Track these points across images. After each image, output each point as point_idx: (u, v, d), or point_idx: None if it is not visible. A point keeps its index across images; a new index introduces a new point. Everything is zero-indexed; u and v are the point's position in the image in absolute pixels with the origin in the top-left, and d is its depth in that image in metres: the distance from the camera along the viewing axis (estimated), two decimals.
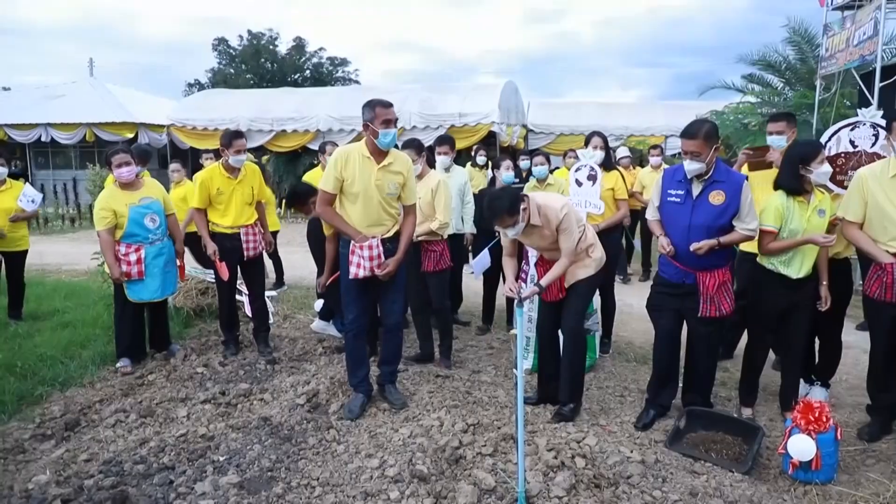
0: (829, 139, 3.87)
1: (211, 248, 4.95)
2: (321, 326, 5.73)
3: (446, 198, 4.80)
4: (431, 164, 5.11)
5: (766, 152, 4.33)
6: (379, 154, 3.85)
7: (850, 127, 3.82)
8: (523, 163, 6.64)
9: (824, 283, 3.81)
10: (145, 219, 4.73)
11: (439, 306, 4.98)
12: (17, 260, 6.09)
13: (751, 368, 4.09)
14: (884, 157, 3.78)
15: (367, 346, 4.97)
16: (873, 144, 3.75)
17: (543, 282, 3.79)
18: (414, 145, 4.83)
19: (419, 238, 4.70)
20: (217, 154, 6.02)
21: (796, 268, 3.73)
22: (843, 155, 3.81)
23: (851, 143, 3.79)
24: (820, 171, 3.61)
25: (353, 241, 3.86)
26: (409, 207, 4.05)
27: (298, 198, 4.98)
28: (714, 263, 3.64)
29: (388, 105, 3.79)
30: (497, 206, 3.58)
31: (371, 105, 3.78)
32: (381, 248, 3.88)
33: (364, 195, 3.85)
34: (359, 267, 3.86)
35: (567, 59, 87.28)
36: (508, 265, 4.00)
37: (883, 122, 3.79)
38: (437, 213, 4.75)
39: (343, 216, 3.93)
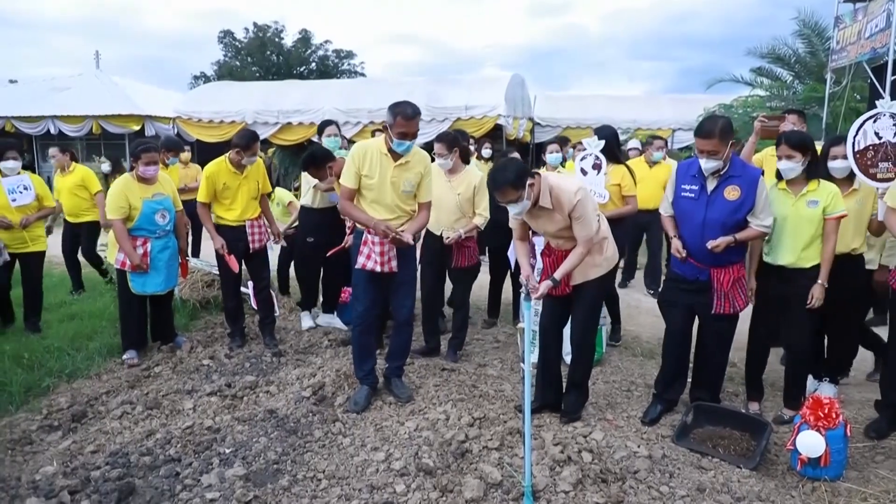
0: (857, 133, 3.82)
1: (218, 241, 4.94)
2: (327, 320, 5.73)
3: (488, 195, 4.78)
4: (465, 159, 4.97)
5: (781, 121, 4.39)
6: (396, 153, 3.83)
7: (873, 119, 3.79)
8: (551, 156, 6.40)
9: (820, 281, 3.69)
10: (156, 214, 4.76)
11: (462, 302, 4.95)
12: (32, 262, 5.51)
13: (751, 362, 4.08)
14: None
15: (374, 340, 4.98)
16: (895, 134, 3.71)
17: (557, 274, 3.55)
18: (446, 140, 4.75)
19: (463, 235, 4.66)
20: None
21: (775, 255, 3.74)
22: (871, 147, 3.76)
23: (876, 134, 3.76)
24: (779, 164, 3.70)
25: (365, 233, 3.84)
26: (423, 204, 4.04)
27: (315, 161, 4.93)
28: (729, 260, 3.60)
29: (411, 117, 3.71)
30: (501, 177, 3.35)
31: (394, 112, 3.71)
32: (392, 245, 3.83)
33: (379, 191, 3.84)
34: (368, 258, 3.84)
35: (573, 53, 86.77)
36: (521, 250, 3.84)
37: None
38: (481, 210, 4.71)
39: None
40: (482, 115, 14.33)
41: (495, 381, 4.40)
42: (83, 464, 3.34)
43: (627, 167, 5.19)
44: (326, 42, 34.44)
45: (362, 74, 34.45)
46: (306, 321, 5.73)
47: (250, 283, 5.60)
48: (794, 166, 3.66)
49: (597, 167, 4.82)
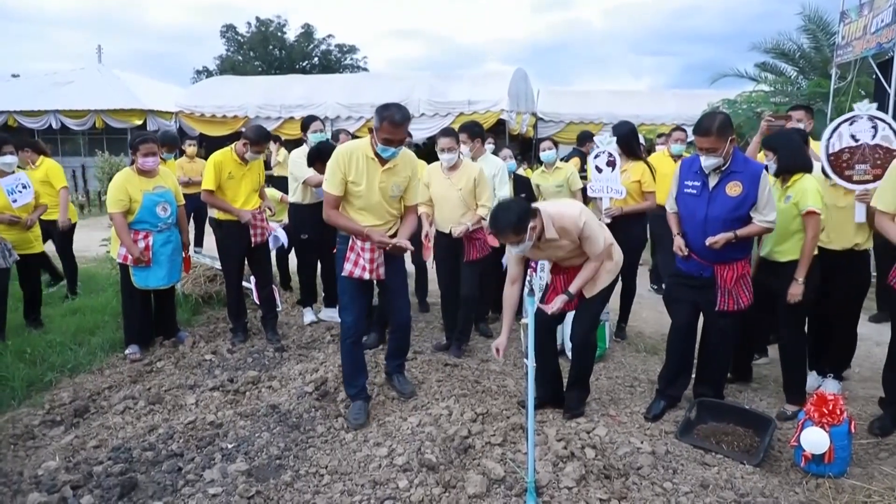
0: (831, 136, 3.85)
1: (246, 215, 4.93)
2: (329, 314, 5.72)
3: (489, 186, 4.77)
4: None
5: (787, 120, 4.44)
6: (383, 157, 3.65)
7: (849, 122, 3.80)
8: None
9: (797, 277, 3.70)
10: (157, 207, 4.74)
11: (470, 297, 4.90)
12: (32, 262, 5.43)
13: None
14: (885, 147, 3.71)
15: (376, 335, 4.97)
16: (874, 136, 3.73)
17: (572, 289, 3.53)
18: (453, 133, 4.70)
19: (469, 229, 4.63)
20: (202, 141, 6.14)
21: (763, 245, 3.83)
22: (847, 150, 3.79)
23: (853, 137, 3.78)
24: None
25: (352, 238, 3.68)
26: (410, 207, 3.89)
27: (321, 156, 4.94)
28: (732, 256, 3.57)
29: (399, 123, 3.48)
30: (504, 220, 3.23)
31: (381, 116, 3.49)
32: (381, 251, 3.70)
33: (367, 197, 3.67)
34: (355, 265, 3.69)
35: (576, 47, 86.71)
36: (508, 300, 3.65)
37: (879, 114, 3.77)
38: (483, 201, 4.66)
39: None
40: (485, 110, 14.32)
41: (498, 377, 4.39)
42: (85, 459, 3.34)
43: (647, 163, 5.16)
44: (329, 37, 34.47)
45: (365, 69, 34.45)
46: (308, 316, 5.73)
47: (252, 279, 5.60)
48: (768, 164, 3.84)
49: (611, 164, 4.83)
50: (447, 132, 4.72)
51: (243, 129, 4.94)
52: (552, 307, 3.55)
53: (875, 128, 3.74)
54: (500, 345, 3.57)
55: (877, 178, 3.72)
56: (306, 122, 5.68)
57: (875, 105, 3.84)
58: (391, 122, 3.46)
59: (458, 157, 4.70)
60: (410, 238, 3.82)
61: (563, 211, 3.46)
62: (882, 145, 3.72)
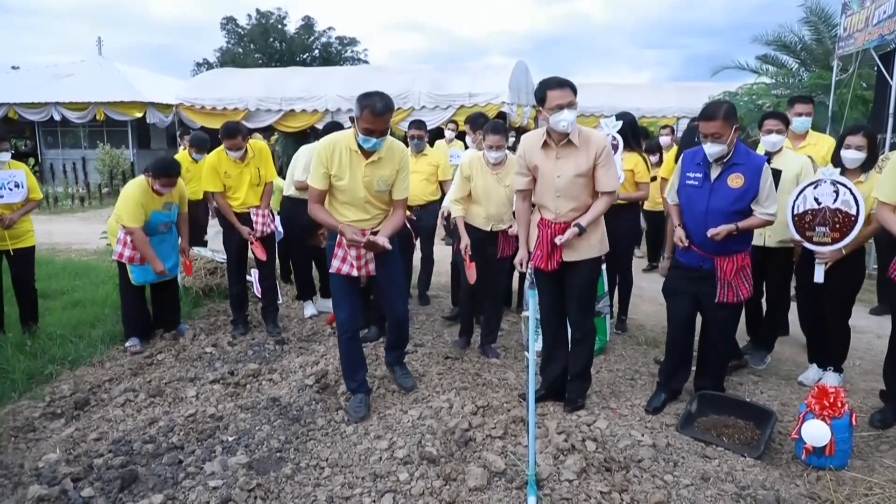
0: (797, 198, 4.00)
1: (244, 231, 4.95)
2: (326, 306, 5.71)
3: None
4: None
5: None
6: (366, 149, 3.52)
7: (814, 185, 3.95)
8: None
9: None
10: (161, 224, 4.82)
11: (499, 294, 4.80)
12: (23, 258, 4.99)
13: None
14: (845, 211, 3.80)
15: (376, 328, 4.97)
16: (835, 200, 3.86)
17: (584, 221, 3.47)
18: (501, 130, 4.44)
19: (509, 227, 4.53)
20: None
21: None
22: (810, 212, 3.95)
23: (816, 200, 3.93)
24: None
25: (339, 234, 3.60)
26: (398, 202, 3.71)
27: None
28: (733, 248, 3.56)
29: (380, 113, 3.33)
30: (562, 78, 3.39)
31: (361, 105, 3.35)
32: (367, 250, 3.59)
33: (351, 192, 3.56)
34: (343, 261, 3.60)
35: (578, 40, 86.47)
36: (522, 216, 3.74)
37: (842, 179, 3.87)
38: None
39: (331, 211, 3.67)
40: (486, 103, 14.27)
41: (499, 370, 4.39)
42: (86, 451, 3.34)
43: (642, 155, 5.16)
44: (329, 29, 34.51)
45: (365, 62, 34.42)
46: (308, 309, 5.73)
47: (254, 271, 5.59)
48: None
49: (613, 147, 4.81)
50: (497, 129, 4.39)
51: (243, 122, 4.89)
52: (563, 238, 3.48)
53: (837, 192, 3.85)
54: (523, 258, 3.72)
55: (834, 241, 3.85)
56: (330, 130, 5.57)
57: (839, 170, 3.93)
58: (372, 111, 3.32)
59: (505, 154, 4.49)
60: (396, 233, 3.71)
61: (591, 129, 3.63)
62: (842, 209, 3.83)
